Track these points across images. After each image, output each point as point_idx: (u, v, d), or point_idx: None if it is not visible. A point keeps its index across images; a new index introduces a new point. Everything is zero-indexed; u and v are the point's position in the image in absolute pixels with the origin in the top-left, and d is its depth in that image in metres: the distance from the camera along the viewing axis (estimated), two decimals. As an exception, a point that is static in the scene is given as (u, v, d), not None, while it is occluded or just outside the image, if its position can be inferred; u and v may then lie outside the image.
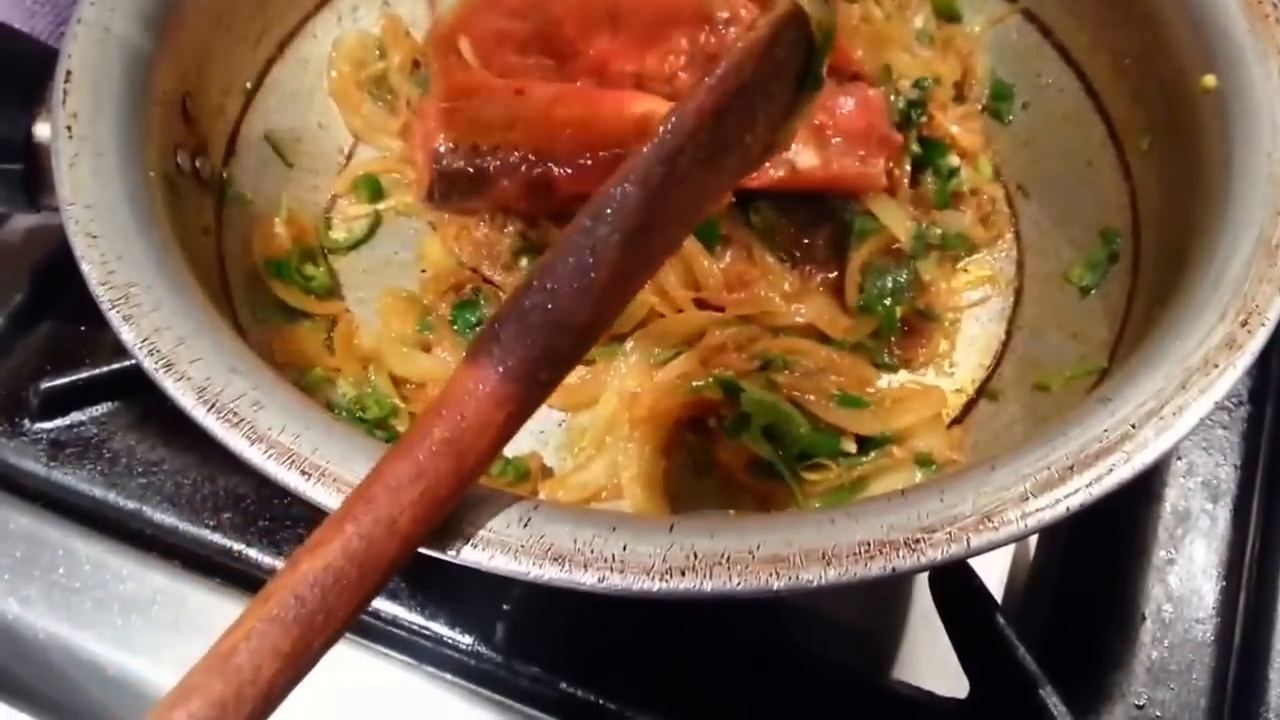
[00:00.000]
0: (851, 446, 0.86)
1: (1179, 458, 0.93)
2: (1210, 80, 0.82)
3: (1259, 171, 0.76)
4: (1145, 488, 0.92)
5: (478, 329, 0.94)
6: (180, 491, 0.91)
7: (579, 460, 0.89)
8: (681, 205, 0.66)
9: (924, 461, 0.87)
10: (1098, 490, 0.62)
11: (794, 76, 0.71)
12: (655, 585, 0.58)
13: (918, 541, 0.59)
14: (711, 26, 0.94)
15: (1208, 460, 0.93)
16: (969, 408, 0.93)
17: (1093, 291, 0.92)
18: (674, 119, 0.63)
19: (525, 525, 0.60)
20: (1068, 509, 0.61)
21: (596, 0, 1.05)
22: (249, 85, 1.00)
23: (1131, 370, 0.68)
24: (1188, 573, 0.88)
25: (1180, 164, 0.85)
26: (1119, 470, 0.62)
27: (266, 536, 0.90)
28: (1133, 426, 0.64)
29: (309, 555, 0.53)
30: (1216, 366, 0.66)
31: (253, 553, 0.89)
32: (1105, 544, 0.91)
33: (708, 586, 0.58)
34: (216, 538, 0.89)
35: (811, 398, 0.86)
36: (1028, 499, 0.61)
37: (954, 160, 1.00)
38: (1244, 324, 0.68)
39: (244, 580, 0.88)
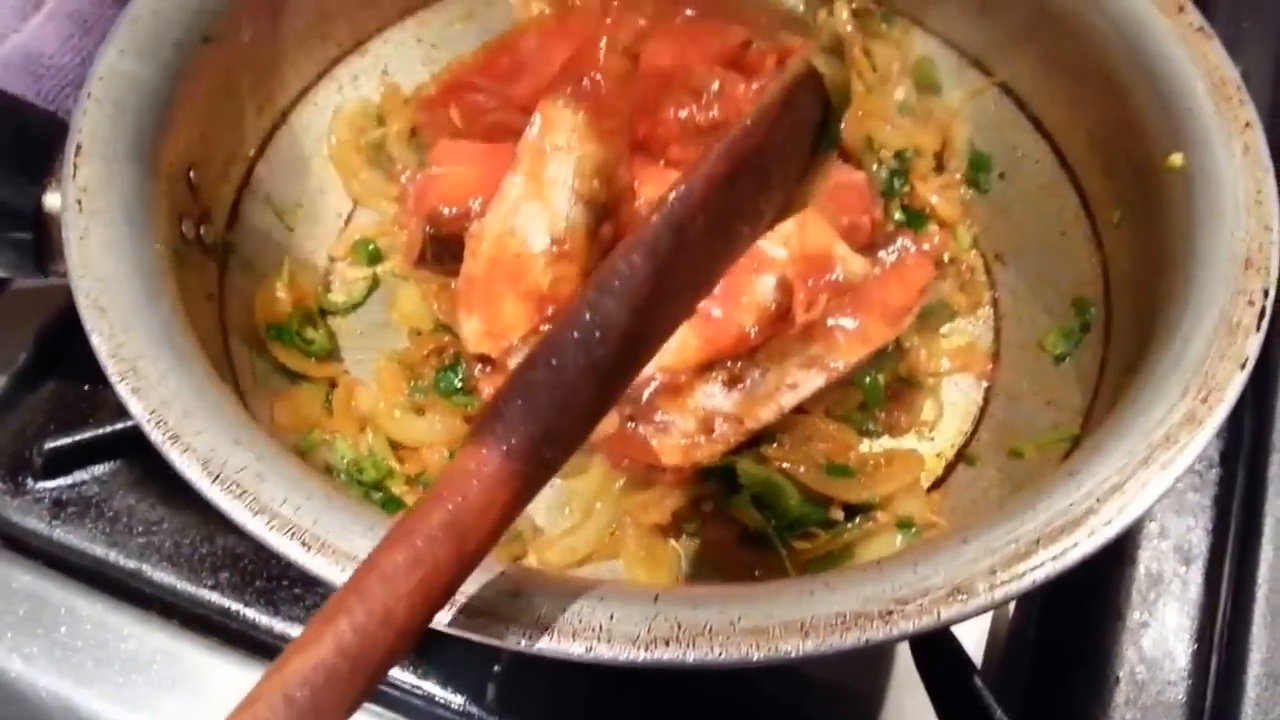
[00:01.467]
0: (839, 515, 0.89)
1: (1151, 520, 0.95)
2: (1177, 159, 0.85)
3: (1222, 250, 0.79)
4: (1119, 550, 0.94)
5: (460, 393, 0.96)
6: (179, 551, 0.94)
7: (569, 523, 0.91)
8: (692, 274, 0.64)
9: (905, 525, 0.89)
10: (1063, 564, 0.64)
11: (809, 138, 0.71)
12: (640, 655, 0.61)
13: (890, 613, 0.62)
14: (701, 101, 0.97)
15: (1179, 523, 0.95)
16: (949, 472, 0.95)
17: (1066, 359, 0.95)
18: (683, 187, 0.61)
19: (516, 596, 0.63)
20: (1034, 582, 0.64)
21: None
22: (252, 153, 1.02)
23: (1097, 444, 0.71)
24: (1160, 635, 0.90)
25: (1148, 238, 0.88)
26: (1083, 545, 0.65)
27: (264, 596, 0.92)
28: (1097, 501, 0.67)
29: (299, 653, 0.50)
30: (1177, 443, 0.69)
31: (250, 612, 0.91)
32: (1081, 606, 0.93)
33: (690, 657, 0.61)
34: (215, 597, 0.91)
35: (801, 469, 0.88)
36: (996, 572, 0.64)
37: (933, 229, 1.04)
38: (1204, 400, 0.71)
39: (242, 640, 0.90)
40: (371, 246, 1.07)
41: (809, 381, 0.88)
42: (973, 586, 0.63)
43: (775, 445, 0.89)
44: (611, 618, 0.62)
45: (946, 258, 1.03)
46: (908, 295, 0.92)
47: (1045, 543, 0.65)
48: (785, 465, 0.88)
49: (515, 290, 0.90)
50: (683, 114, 0.97)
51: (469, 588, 0.63)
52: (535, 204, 0.91)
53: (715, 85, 0.97)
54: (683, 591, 0.65)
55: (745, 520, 0.88)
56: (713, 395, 0.86)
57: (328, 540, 0.65)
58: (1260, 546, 0.92)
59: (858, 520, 0.89)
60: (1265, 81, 1.20)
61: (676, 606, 0.63)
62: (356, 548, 0.64)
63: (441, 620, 0.62)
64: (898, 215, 1.04)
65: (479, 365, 0.93)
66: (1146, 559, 0.94)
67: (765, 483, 0.87)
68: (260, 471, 0.68)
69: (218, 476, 0.67)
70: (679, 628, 0.62)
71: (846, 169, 0.99)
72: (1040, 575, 0.64)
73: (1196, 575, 0.93)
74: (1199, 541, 0.94)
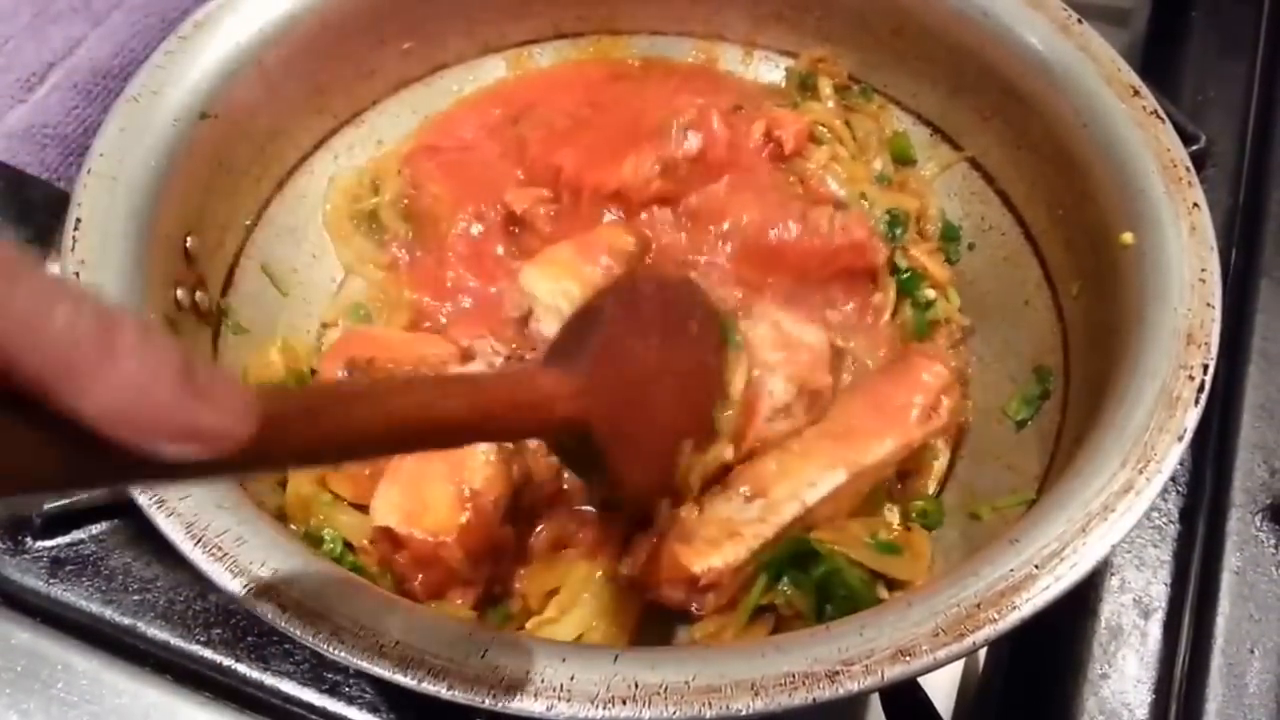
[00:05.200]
0: (885, 594, 0.88)
1: (1112, 574, 0.97)
2: (1128, 237, 0.89)
3: (1166, 325, 0.82)
4: (1081, 603, 0.96)
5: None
6: (173, 608, 0.96)
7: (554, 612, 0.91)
8: None
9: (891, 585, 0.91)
10: (1002, 626, 0.68)
11: None
12: (599, 714, 0.64)
13: (837, 674, 0.65)
14: (675, 137, 1.02)
15: (1139, 577, 0.97)
16: (919, 531, 0.98)
17: (1027, 425, 0.98)
18: None
19: (482, 656, 0.66)
20: (974, 643, 0.67)
21: (563, 118, 1.13)
22: (248, 222, 1.06)
23: (1040, 513, 0.74)
24: (1120, 686, 0.92)
25: (1103, 311, 0.91)
26: (1022, 608, 0.68)
27: (255, 651, 0.94)
28: (1036, 567, 0.70)
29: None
30: (1115, 511, 0.73)
31: (242, 668, 0.93)
32: (1045, 656, 0.95)
33: (647, 715, 0.64)
34: (207, 653, 0.94)
35: (853, 551, 0.87)
36: (939, 634, 0.67)
37: (929, 292, 1.07)
38: (1142, 470, 0.74)
39: (234, 695, 0.93)
40: (363, 311, 1.10)
41: (830, 478, 0.88)
42: (916, 648, 0.67)
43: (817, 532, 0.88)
44: (572, 678, 0.66)
45: (944, 317, 1.07)
46: (927, 396, 0.95)
47: (986, 606, 0.68)
48: (835, 546, 0.87)
49: (446, 474, 0.88)
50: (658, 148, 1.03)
51: (440, 649, 0.66)
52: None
53: (684, 119, 1.02)
54: (641, 652, 0.69)
55: (799, 606, 0.87)
56: (733, 505, 0.87)
57: (304, 603, 0.68)
58: (1218, 600, 0.94)
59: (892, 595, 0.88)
60: (1230, 148, 1.24)
61: (635, 666, 0.66)
62: (329, 610, 0.68)
63: (411, 680, 0.65)
64: (901, 262, 1.07)
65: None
66: (1107, 612, 0.96)
67: (833, 557, 0.86)
68: (241, 535, 0.72)
69: (200, 540, 0.71)
70: (636, 687, 0.65)
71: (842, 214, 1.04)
72: (980, 637, 0.67)
73: (1155, 628, 0.95)
74: (1158, 595, 0.96)
